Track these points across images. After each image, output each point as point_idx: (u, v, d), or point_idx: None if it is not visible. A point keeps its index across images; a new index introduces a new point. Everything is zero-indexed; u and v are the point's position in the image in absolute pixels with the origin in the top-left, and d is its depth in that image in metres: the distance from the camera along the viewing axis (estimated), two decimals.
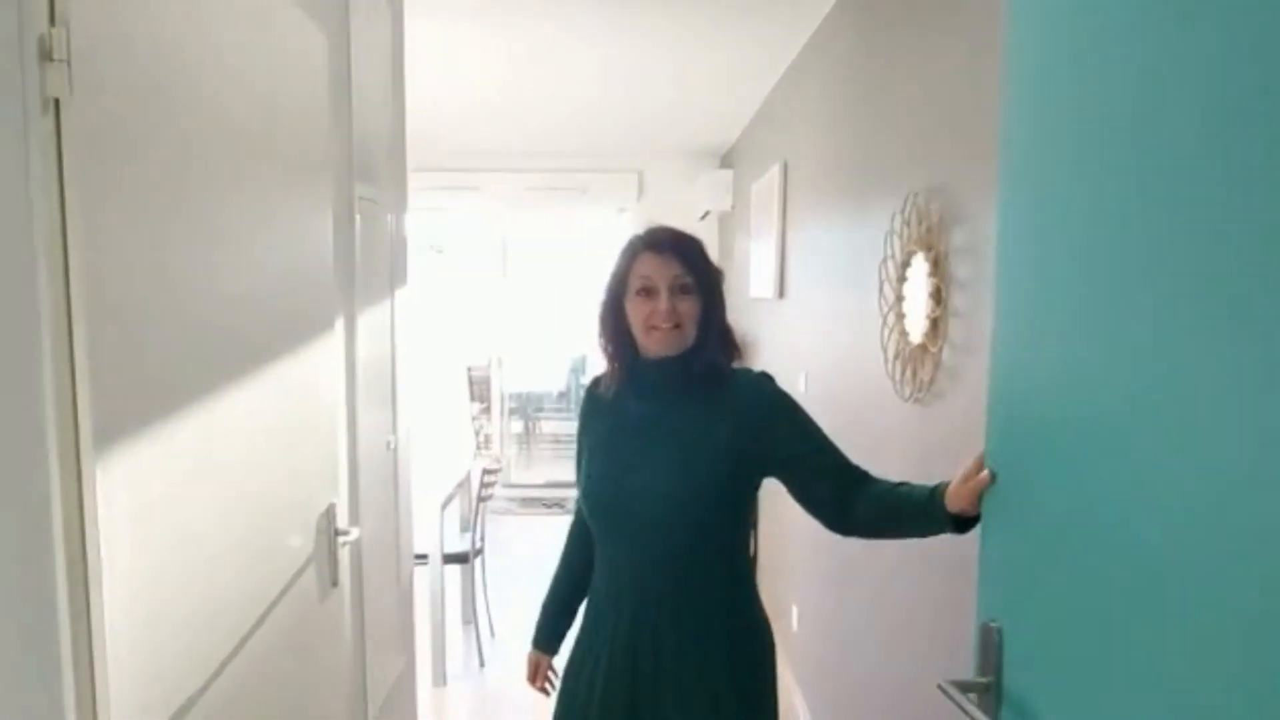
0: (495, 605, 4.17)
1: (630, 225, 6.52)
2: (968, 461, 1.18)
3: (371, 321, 2.24)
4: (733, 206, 5.65)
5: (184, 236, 1.27)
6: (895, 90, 2.30)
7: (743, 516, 1.48)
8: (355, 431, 2.07)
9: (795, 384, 3.41)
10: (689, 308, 1.43)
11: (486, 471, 3.69)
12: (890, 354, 2.18)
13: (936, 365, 1.88)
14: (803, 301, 3.44)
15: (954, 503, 1.20)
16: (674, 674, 1.40)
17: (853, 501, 1.36)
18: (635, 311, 1.44)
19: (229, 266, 1.42)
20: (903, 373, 2.09)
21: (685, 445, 1.40)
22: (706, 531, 1.42)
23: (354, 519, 2.03)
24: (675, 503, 1.39)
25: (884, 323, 2.23)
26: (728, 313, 1.51)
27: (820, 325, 3.09)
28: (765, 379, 1.49)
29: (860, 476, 1.39)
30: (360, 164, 2.12)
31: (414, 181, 6.45)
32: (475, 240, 7.30)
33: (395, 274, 2.56)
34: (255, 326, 1.52)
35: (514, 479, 7.12)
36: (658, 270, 1.42)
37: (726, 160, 6.08)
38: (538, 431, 8.56)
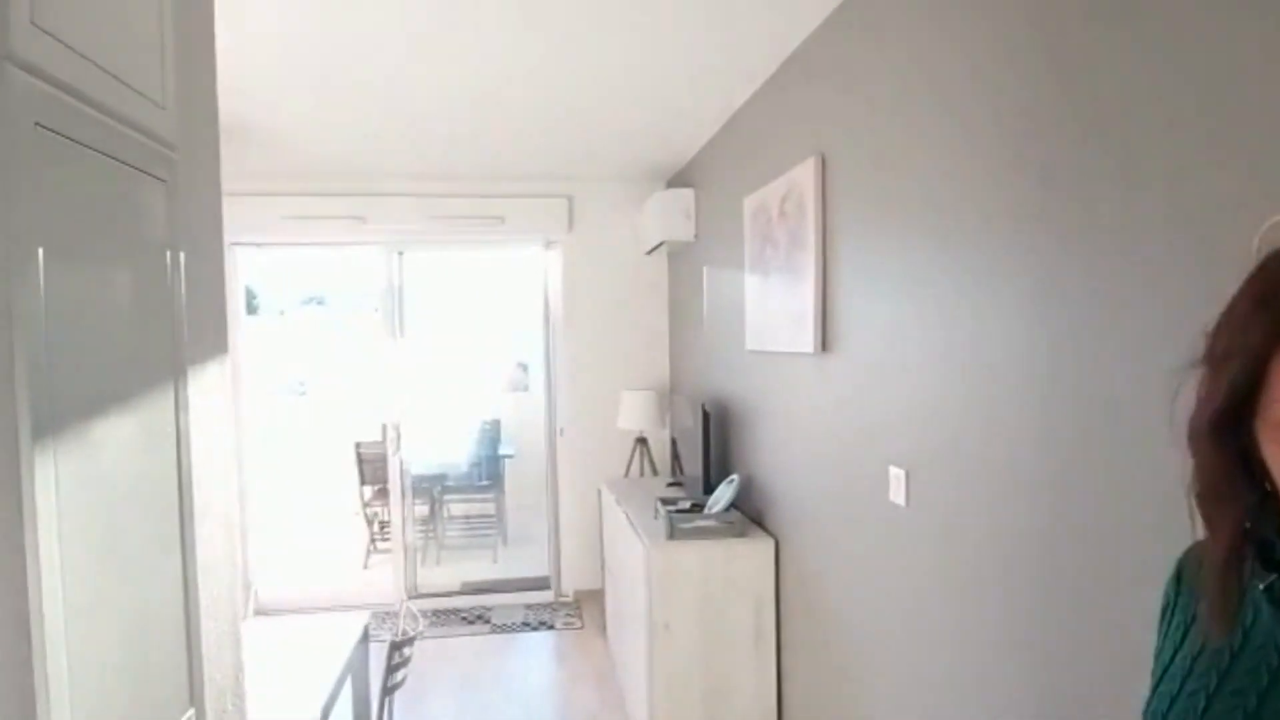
0: None
1: (559, 261, 5.26)
2: None
3: (119, 441, 0.91)
4: (696, 236, 4.46)
5: None
6: None
7: None
8: None
9: (882, 490, 2.20)
10: None
11: (396, 646, 2.31)
12: None
13: None
14: (881, 357, 2.24)
15: None
16: None
17: None
18: None
19: None
20: None
21: None
22: None
23: None
24: None
25: None
26: None
27: (947, 392, 1.89)
28: None
29: None
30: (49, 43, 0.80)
31: (266, 209, 4.96)
32: (362, 287, 5.86)
33: (206, 330, 1.22)
34: None
35: (420, 583, 5.63)
36: None
37: (680, 179, 4.90)
38: (445, 515, 7.08)
